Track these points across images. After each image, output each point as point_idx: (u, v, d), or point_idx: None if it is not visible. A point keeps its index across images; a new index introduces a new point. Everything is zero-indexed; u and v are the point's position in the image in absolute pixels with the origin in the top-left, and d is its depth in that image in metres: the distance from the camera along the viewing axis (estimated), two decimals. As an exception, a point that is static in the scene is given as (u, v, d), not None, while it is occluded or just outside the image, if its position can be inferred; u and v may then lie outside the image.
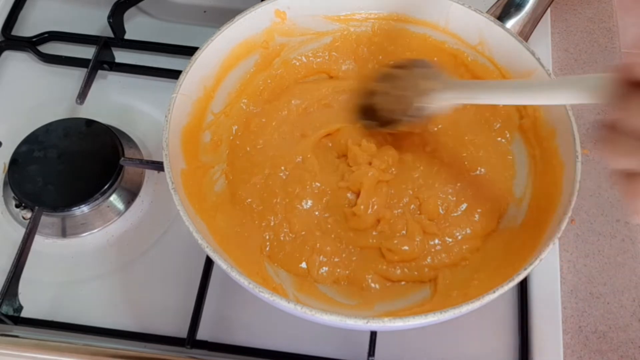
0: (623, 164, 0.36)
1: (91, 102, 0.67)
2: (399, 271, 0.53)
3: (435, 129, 0.59)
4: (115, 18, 0.71)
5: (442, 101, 0.53)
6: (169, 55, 0.72)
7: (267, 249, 0.54)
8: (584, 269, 0.60)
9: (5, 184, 0.63)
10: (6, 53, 0.73)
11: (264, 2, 0.58)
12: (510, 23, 0.62)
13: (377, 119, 0.58)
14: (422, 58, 0.58)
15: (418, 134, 0.58)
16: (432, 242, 0.54)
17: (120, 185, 0.62)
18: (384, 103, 0.57)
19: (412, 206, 0.55)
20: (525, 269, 0.44)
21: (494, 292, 0.43)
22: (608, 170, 0.39)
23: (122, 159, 0.62)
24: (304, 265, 0.53)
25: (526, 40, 0.61)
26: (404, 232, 0.54)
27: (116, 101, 0.69)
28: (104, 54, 0.70)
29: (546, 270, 0.58)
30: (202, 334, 0.55)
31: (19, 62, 0.72)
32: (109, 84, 0.71)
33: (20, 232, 0.59)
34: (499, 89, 0.50)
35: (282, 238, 0.54)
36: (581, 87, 0.41)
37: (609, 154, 0.36)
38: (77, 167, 0.62)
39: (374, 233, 0.54)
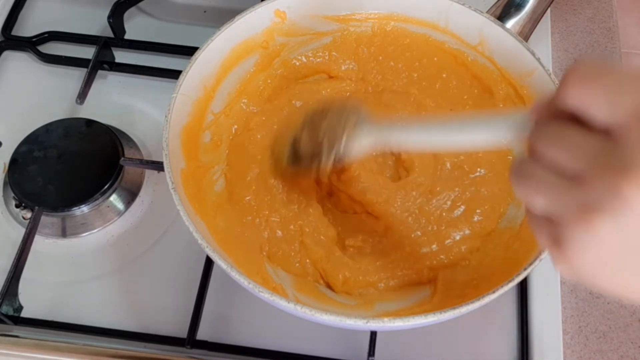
0: (540, 204, 0.32)
1: (91, 102, 0.67)
2: (399, 272, 0.53)
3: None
4: (115, 18, 0.71)
5: (359, 146, 0.48)
6: (169, 55, 0.72)
7: (266, 248, 0.54)
8: (584, 269, 0.59)
9: (5, 184, 0.63)
10: (6, 53, 0.73)
11: (264, 2, 0.58)
12: (510, 23, 0.62)
13: (298, 163, 0.53)
14: (345, 100, 0.54)
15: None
16: (430, 247, 0.54)
17: (120, 185, 0.62)
18: (305, 147, 0.52)
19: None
20: (525, 269, 0.44)
21: (494, 292, 0.43)
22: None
23: (122, 159, 0.62)
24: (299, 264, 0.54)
25: (526, 40, 0.62)
26: None
27: (116, 101, 0.69)
28: (104, 54, 0.70)
29: (546, 270, 0.58)
30: (202, 334, 0.55)
31: (19, 62, 0.72)
32: (109, 84, 0.71)
33: (20, 232, 0.59)
34: (418, 131, 0.45)
35: (277, 235, 0.54)
36: (500, 126, 0.38)
37: (524, 190, 0.33)
38: (77, 167, 0.62)
39: None
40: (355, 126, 0.49)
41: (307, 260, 0.53)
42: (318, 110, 0.53)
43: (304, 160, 0.51)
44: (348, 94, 0.62)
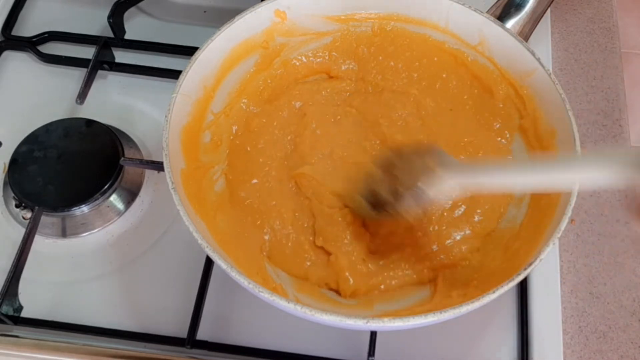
0: None
1: (91, 102, 0.67)
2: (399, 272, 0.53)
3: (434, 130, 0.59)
4: (115, 18, 0.71)
5: (445, 185, 0.47)
6: (169, 55, 0.72)
7: (267, 248, 0.54)
8: (584, 269, 0.60)
9: (5, 184, 0.63)
10: (6, 53, 0.73)
11: (264, 2, 0.58)
12: (510, 23, 0.62)
13: (373, 203, 0.52)
14: (430, 144, 0.52)
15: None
16: (430, 247, 0.54)
17: (120, 185, 0.62)
18: (382, 186, 0.51)
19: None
20: (525, 269, 0.44)
21: (494, 292, 0.43)
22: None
23: (122, 159, 0.62)
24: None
25: (526, 40, 0.61)
26: None
27: (116, 101, 0.69)
28: (104, 54, 0.70)
29: (546, 270, 0.58)
30: (202, 334, 0.55)
31: (19, 62, 0.72)
32: (109, 84, 0.71)
33: (20, 232, 0.59)
34: (513, 172, 0.43)
35: (280, 241, 0.54)
36: (612, 165, 0.35)
37: None
38: (77, 167, 0.62)
39: None
40: (435, 169, 0.47)
41: (316, 265, 0.53)
42: (390, 155, 0.52)
43: (385, 208, 0.50)
44: (348, 94, 0.62)
